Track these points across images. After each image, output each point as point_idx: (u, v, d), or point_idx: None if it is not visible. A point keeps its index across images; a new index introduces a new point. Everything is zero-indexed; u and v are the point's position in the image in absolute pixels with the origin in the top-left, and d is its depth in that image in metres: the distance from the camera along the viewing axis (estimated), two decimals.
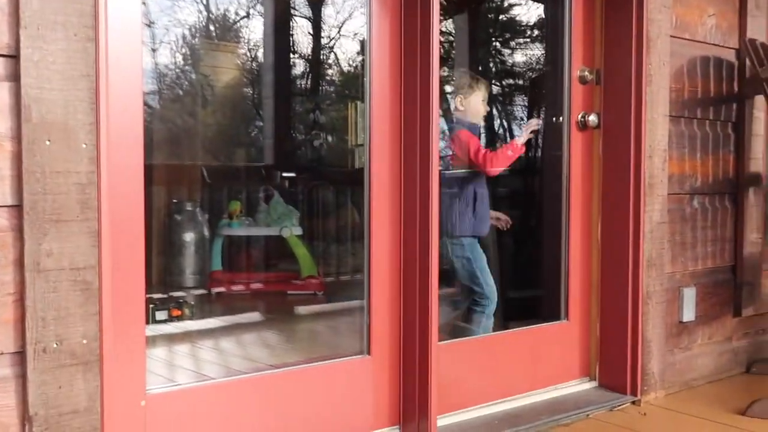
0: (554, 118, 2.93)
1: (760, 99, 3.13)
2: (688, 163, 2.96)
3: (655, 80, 2.75)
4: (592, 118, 2.79)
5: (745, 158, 3.14)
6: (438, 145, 2.30)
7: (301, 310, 4.18)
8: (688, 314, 2.96)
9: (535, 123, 3.06)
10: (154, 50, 5.56)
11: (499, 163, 2.88)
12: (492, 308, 2.98)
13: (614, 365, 2.79)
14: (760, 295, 3.24)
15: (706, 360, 3.07)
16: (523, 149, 2.95)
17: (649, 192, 2.74)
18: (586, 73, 2.80)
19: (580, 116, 2.80)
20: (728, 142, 3.13)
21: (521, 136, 2.96)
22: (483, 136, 3.16)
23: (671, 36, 2.83)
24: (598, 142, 2.81)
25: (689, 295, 2.96)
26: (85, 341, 1.67)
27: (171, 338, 3.35)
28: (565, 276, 2.82)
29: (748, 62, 3.08)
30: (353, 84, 6.49)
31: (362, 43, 2.41)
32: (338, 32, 6.98)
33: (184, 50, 5.95)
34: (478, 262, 2.99)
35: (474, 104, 3.05)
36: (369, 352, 2.33)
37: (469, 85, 3.08)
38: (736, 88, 3.14)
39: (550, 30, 3.48)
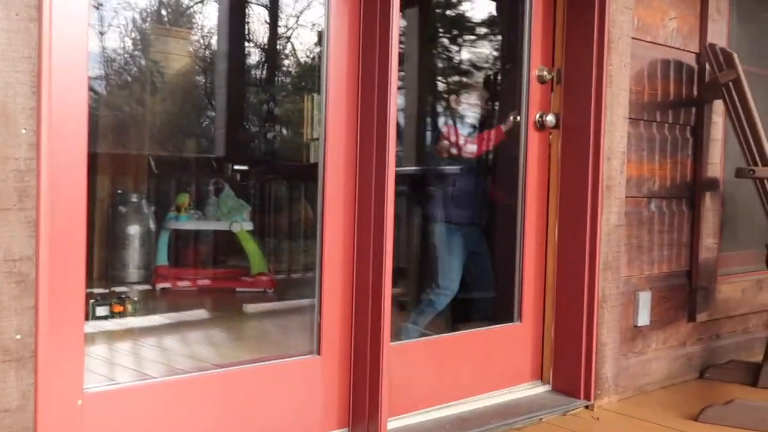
0: (511, 118, 2.99)
1: (718, 104, 3.21)
2: (646, 166, 3.02)
3: (615, 82, 2.80)
4: (550, 119, 2.84)
5: (703, 162, 3.22)
6: (395, 142, 2.31)
7: (250, 308, 4.16)
8: (643, 318, 3.03)
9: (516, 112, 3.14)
10: (101, 33, 5.47)
11: (477, 148, 3.22)
12: (441, 300, 3.12)
13: (568, 369, 2.84)
14: (715, 300, 3.33)
15: (660, 365, 3.14)
16: (503, 135, 3.16)
17: (607, 194, 2.79)
18: (545, 72, 2.84)
19: (537, 116, 2.84)
20: (687, 146, 3.20)
21: (505, 123, 3.15)
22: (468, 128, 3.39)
23: (632, 38, 2.89)
24: (556, 143, 2.85)
25: (644, 299, 3.03)
26: (19, 336, 1.64)
27: (112, 335, 3.31)
28: (519, 277, 2.86)
29: (708, 67, 3.17)
30: (310, 76, 6.47)
31: (320, 33, 2.42)
32: (296, 22, 6.96)
33: (133, 34, 5.86)
34: (441, 251, 3.13)
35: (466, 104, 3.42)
36: (319, 352, 2.33)
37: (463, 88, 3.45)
38: (695, 92, 3.22)
39: (508, 28, 3.54)
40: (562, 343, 2.85)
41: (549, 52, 2.86)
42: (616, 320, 2.88)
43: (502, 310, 2.99)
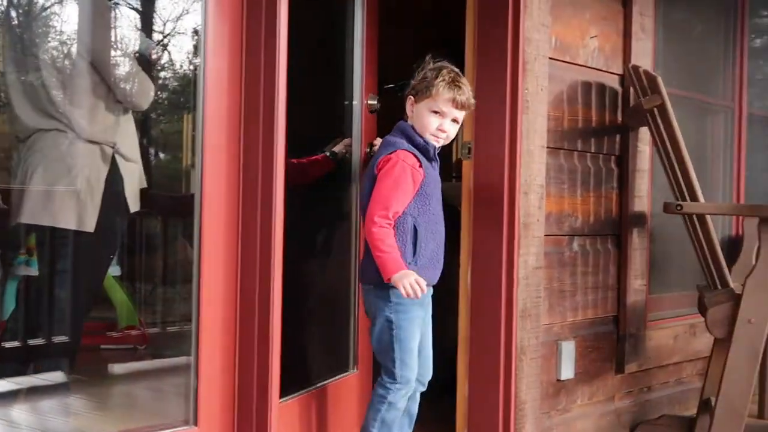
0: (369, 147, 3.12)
1: (645, 131, 3.43)
2: (567, 200, 3.19)
3: (531, 107, 2.96)
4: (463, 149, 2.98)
5: (629, 196, 3.43)
6: (283, 168, 2.36)
7: (117, 368, 4.10)
8: (567, 371, 3.17)
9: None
10: None
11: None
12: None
13: (484, 430, 2.94)
14: (645, 348, 3.52)
15: (586, 423, 3.29)
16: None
17: (524, 233, 2.93)
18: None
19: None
20: (611, 178, 3.40)
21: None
22: None
23: (550, 58, 3.06)
24: (468, 175, 2.98)
25: (568, 349, 3.17)
26: None
27: None
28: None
29: (632, 90, 3.38)
30: (191, 91, 6.47)
31: (196, 41, 2.47)
32: (173, 28, 6.96)
33: None
34: None
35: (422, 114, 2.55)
36: (196, 422, 2.34)
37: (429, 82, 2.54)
38: (620, 118, 3.43)
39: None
40: (477, 400, 2.96)
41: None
42: (537, 374, 3.01)
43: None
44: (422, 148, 2.52)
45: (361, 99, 3.05)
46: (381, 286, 2.50)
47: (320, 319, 3.32)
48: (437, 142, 2.55)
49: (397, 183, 2.46)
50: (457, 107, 2.51)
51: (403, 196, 2.46)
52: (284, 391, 2.68)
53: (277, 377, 2.34)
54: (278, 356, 2.35)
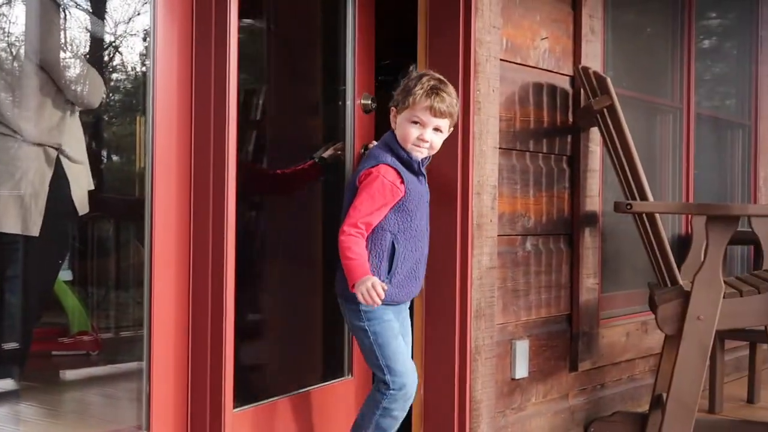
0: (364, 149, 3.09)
1: (595, 131, 3.47)
2: (519, 200, 3.22)
3: (484, 108, 2.98)
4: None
5: (581, 195, 3.46)
6: (234, 170, 2.34)
7: (70, 374, 4.04)
8: (521, 370, 3.20)
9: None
10: None
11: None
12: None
13: (439, 431, 2.95)
14: (598, 346, 3.55)
15: (541, 421, 3.31)
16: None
17: (478, 233, 2.95)
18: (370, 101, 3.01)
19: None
20: (563, 178, 3.43)
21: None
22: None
23: (501, 59, 3.08)
24: None
25: (522, 348, 3.20)
26: None
27: None
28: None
29: (582, 91, 3.41)
30: (142, 94, 6.41)
31: (147, 42, 2.46)
32: (125, 30, 6.89)
33: None
34: None
35: (402, 124, 2.51)
36: (148, 427, 2.32)
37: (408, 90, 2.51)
38: (570, 119, 3.46)
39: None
40: (433, 401, 2.97)
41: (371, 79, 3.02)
42: (491, 374, 3.02)
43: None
44: (406, 162, 2.50)
45: (353, 99, 2.98)
46: (349, 298, 2.48)
47: (312, 325, 3.28)
48: (420, 153, 2.51)
49: (373, 198, 2.44)
50: (435, 115, 2.47)
51: (377, 212, 2.45)
52: (262, 397, 2.67)
53: (230, 382, 2.33)
54: (232, 361, 2.33)
